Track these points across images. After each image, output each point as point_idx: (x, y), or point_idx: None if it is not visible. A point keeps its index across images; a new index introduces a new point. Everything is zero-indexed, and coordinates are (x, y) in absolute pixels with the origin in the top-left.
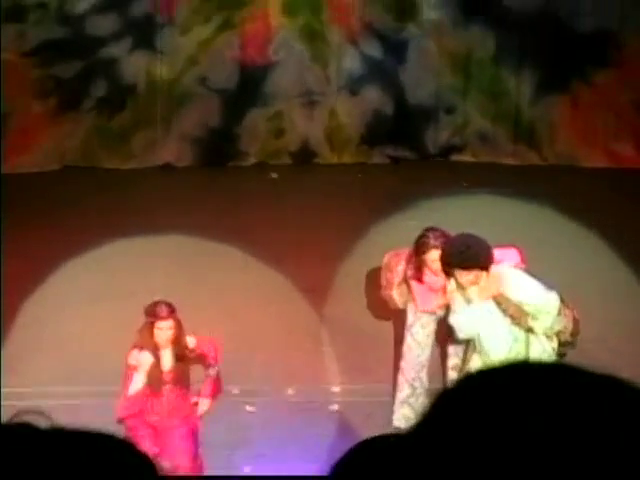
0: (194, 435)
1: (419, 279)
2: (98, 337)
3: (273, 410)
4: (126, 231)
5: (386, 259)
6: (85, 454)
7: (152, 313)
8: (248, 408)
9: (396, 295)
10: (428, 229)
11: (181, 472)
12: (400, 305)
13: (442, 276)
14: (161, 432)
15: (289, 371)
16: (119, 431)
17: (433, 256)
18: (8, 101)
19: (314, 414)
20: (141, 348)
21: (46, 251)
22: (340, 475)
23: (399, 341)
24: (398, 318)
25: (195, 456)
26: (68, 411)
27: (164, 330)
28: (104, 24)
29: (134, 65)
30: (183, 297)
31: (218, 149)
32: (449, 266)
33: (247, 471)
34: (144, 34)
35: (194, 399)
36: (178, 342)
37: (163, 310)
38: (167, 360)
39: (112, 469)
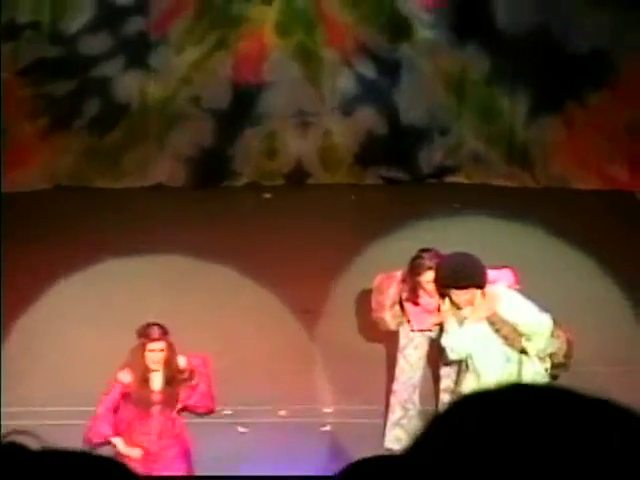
0: (187, 455)
1: (414, 301)
2: (89, 357)
3: (265, 431)
4: (118, 251)
5: (377, 282)
6: (76, 475)
7: (144, 334)
8: (240, 429)
9: (388, 317)
10: (422, 250)
11: None
12: (393, 327)
13: (437, 297)
14: (153, 454)
15: (282, 392)
16: (108, 452)
17: (428, 277)
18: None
19: (306, 435)
20: (132, 368)
21: (38, 271)
22: None
23: (391, 362)
24: (390, 340)
25: (190, 476)
26: (60, 432)
27: (156, 352)
28: (97, 43)
29: (127, 84)
30: (175, 317)
31: (211, 169)
32: (444, 286)
33: None
34: (137, 53)
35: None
36: (169, 364)
37: (155, 332)
38: (157, 381)
39: None
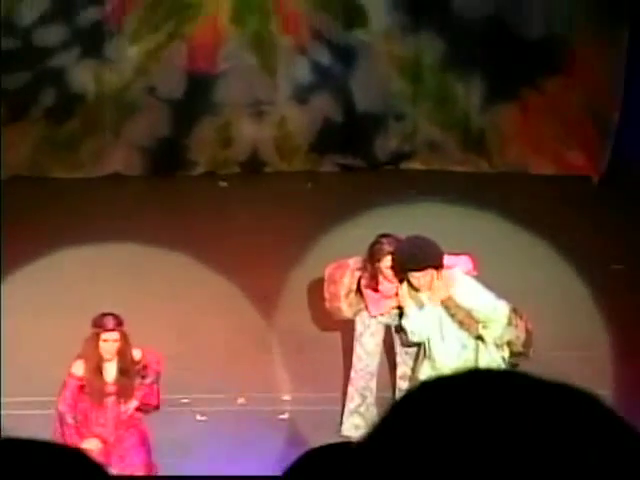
0: (145, 444)
1: (374, 288)
2: (46, 347)
3: (224, 419)
4: (75, 240)
5: (328, 272)
6: (37, 464)
7: (99, 324)
8: (198, 417)
9: (345, 306)
10: (381, 236)
11: None
12: (349, 315)
13: (396, 282)
14: (110, 444)
15: (239, 380)
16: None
17: (388, 263)
18: None
19: (264, 423)
20: (86, 359)
21: None
22: None
23: (348, 349)
24: (347, 327)
25: (149, 465)
26: (16, 421)
27: (109, 342)
28: (52, 34)
29: (82, 74)
30: (132, 306)
31: (167, 159)
32: (403, 270)
33: None
34: (92, 43)
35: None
36: (123, 355)
37: (110, 322)
38: (111, 372)
39: (65, 478)
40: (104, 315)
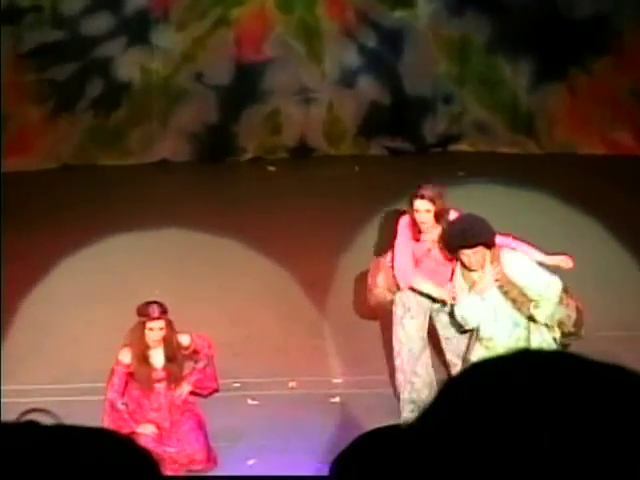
0: (202, 427)
1: (416, 237)
2: (96, 335)
3: (275, 403)
4: (124, 227)
5: (373, 262)
6: (90, 450)
7: (144, 313)
8: (250, 401)
9: (384, 290)
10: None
11: (196, 464)
12: (391, 298)
13: (430, 234)
14: (166, 429)
15: (291, 364)
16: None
17: (418, 205)
18: (4, 103)
19: (316, 406)
20: (132, 347)
21: (44, 249)
22: (343, 468)
23: None
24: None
25: (208, 447)
26: (66, 409)
27: (155, 330)
28: (98, 24)
29: (129, 63)
30: (182, 292)
31: (215, 145)
32: (454, 248)
33: (250, 464)
34: (139, 31)
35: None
36: (169, 341)
37: (155, 310)
38: (159, 359)
39: (115, 465)
40: (149, 304)
